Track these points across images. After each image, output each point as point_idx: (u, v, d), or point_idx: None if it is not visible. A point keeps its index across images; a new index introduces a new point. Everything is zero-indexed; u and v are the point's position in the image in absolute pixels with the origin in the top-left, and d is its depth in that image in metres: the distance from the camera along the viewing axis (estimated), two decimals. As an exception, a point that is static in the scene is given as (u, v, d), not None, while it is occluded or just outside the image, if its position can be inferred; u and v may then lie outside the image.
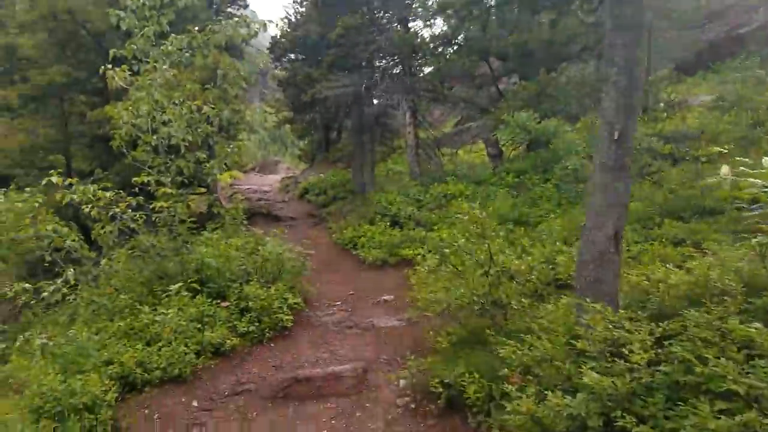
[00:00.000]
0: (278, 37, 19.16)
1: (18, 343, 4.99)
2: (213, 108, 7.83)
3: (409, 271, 6.98)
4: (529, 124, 10.76)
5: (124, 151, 7.68)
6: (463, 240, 5.32)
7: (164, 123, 7.62)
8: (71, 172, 13.80)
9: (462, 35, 14.53)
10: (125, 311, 6.05)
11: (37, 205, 6.99)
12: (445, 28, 15.29)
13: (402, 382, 4.97)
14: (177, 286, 6.06)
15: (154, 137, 7.55)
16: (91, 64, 11.93)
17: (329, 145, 25.42)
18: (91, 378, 4.58)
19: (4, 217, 7.46)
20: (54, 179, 6.76)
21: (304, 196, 19.45)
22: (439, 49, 15.03)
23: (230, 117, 8.79)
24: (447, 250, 5.30)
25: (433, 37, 14.96)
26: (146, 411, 4.86)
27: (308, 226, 15.42)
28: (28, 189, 7.16)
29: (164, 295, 6.27)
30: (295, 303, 7.02)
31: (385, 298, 7.84)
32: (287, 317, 6.64)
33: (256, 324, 6.39)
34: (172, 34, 7.62)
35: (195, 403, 5.06)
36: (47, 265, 7.56)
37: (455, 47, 14.89)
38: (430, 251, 8.09)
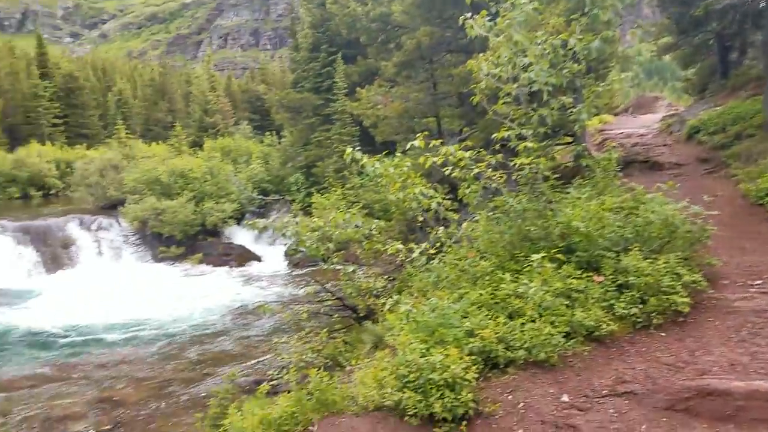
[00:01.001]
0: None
1: (389, 306, 5.28)
2: (580, 39, 6.76)
3: None
4: None
5: (485, 106, 7.45)
6: None
7: (525, 68, 7.00)
8: (442, 133, 14.94)
9: None
10: (486, 278, 5.80)
11: (406, 168, 7.41)
12: None
13: None
14: (539, 256, 5.43)
15: (515, 86, 7.04)
16: (455, 21, 12.33)
17: (728, 69, 20.62)
18: (451, 352, 4.40)
19: (384, 181, 8.34)
20: (416, 143, 7.00)
21: (693, 137, 16.32)
22: None
23: (600, 48, 7.55)
24: None
25: None
26: (510, 397, 4.45)
27: (700, 175, 12.76)
28: (398, 153, 7.70)
29: (526, 262, 5.76)
30: (692, 281, 5.51)
31: None
32: (682, 299, 5.25)
33: (639, 305, 5.25)
34: (531, -40, 6.84)
35: (565, 398, 4.38)
36: (420, 224, 8.16)
37: None
38: None
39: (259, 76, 69.57)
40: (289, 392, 5.23)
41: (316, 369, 5.31)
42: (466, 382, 4.26)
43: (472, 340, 4.76)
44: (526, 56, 6.90)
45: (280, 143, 30.59)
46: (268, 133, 35.35)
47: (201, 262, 19.99)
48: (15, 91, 49.96)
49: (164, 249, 20.84)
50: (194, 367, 10.10)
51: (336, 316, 9.04)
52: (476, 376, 4.38)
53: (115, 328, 12.76)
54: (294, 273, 18.44)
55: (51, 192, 37.45)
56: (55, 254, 20.24)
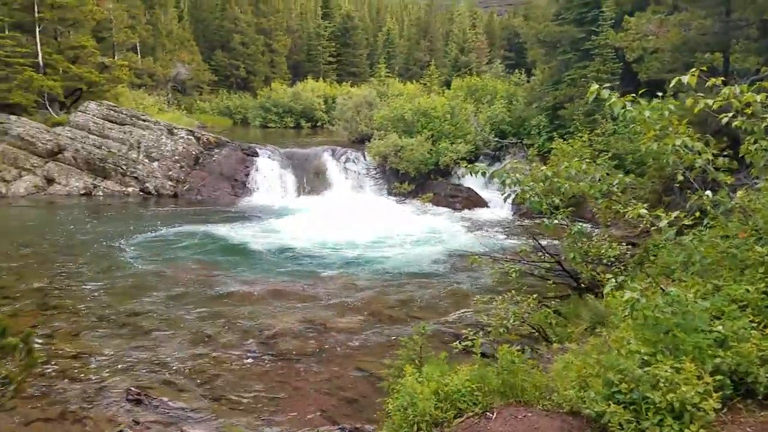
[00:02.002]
0: None
1: (609, 287, 4.22)
2: None
3: None
4: None
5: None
6: None
7: None
8: (729, 71, 12.01)
9: None
10: (760, 269, 4.29)
11: (667, 112, 5.90)
12: None
13: None
14: None
15: None
16: None
17: None
18: (686, 366, 3.30)
19: (638, 128, 6.92)
20: (686, 78, 5.45)
21: None
22: None
23: None
24: None
25: None
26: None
27: None
28: (658, 94, 6.18)
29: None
30: None
31: None
32: None
33: None
34: None
35: None
36: (679, 185, 6.60)
37: None
38: None
39: (522, 11, 66.82)
40: (477, 359, 4.68)
41: (509, 344, 4.66)
42: (701, 413, 3.15)
43: (721, 353, 3.54)
44: None
45: (528, 82, 29.00)
46: (517, 71, 33.81)
47: (430, 201, 20.44)
48: (302, 30, 57.30)
49: (398, 185, 21.84)
50: (401, 308, 10.21)
51: (551, 282, 8.07)
52: (718, 406, 3.21)
53: (343, 259, 13.75)
54: (518, 224, 17.59)
55: (318, 124, 42.42)
56: (308, 180, 22.88)
